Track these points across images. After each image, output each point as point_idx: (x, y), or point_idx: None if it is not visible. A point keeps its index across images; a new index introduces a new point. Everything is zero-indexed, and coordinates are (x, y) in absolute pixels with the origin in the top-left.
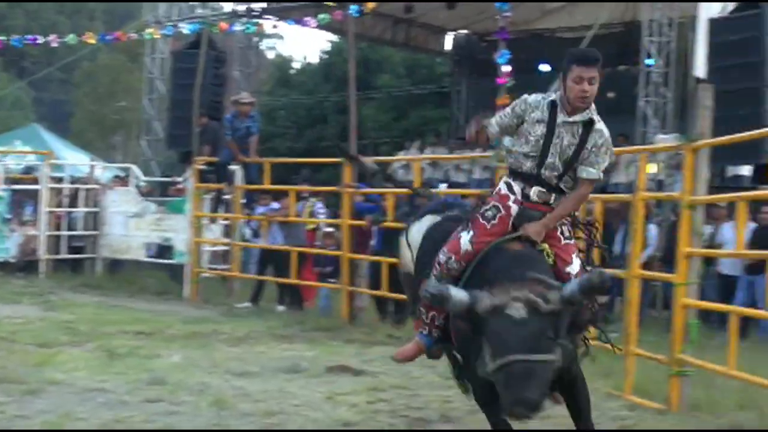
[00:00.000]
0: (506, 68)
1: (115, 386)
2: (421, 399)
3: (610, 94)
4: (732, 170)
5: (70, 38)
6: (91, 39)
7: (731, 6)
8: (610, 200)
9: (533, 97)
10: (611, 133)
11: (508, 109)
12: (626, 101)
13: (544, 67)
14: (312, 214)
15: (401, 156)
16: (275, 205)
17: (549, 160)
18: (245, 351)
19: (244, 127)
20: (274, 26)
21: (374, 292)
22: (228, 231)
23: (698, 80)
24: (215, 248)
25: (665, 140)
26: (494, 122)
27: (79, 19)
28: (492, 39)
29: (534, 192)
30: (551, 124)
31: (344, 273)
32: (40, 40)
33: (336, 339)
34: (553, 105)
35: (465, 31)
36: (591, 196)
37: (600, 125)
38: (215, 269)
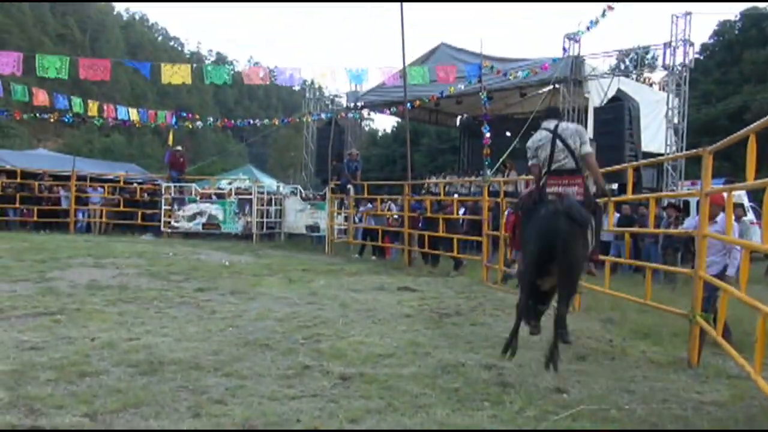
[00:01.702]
0: (487, 134)
1: (291, 296)
2: (445, 303)
3: None
4: (607, 186)
5: (266, 121)
6: (276, 121)
7: (606, 99)
8: None
9: None
10: None
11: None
12: None
13: (508, 134)
14: (389, 209)
15: (434, 180)
16: (370, 205)
17: None
18: (356, 279)
19: (354, 166)
20: (369, 114)
21: (421, 250)
22: (347, 218)
23: (590, 140)
24: (341, 227)
25: None
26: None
27: (267, 109)
28: (480, 119)
29: None
30: None
31: (406, 241)
32: (252, 121)
33: (402, 273)
34: None
35: (466, 114)
36: None
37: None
38: (341, 238)
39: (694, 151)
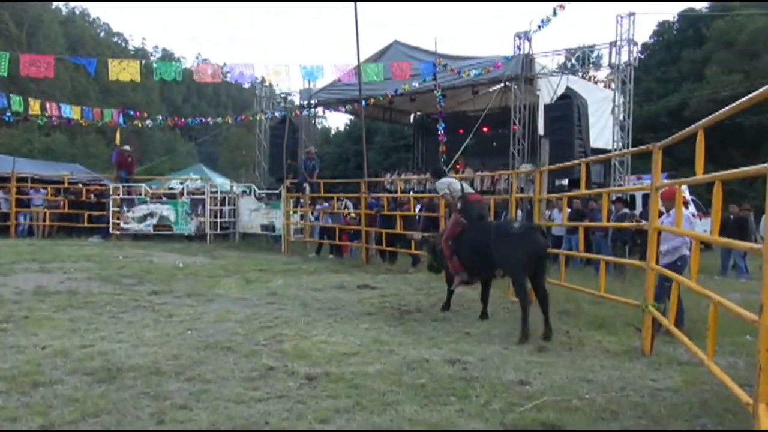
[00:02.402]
0: (441, 132)
1: (250, 296)
2: (405, 300)
3: (495, 144)
4: (558, 182)
5: (219, 120)
6: (229, 119)
7: (556, 96)
8: (497, 198)
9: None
10: (497, 163)
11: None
12: (505, 146)
13: (461, 131)
14: (345, 207)
15: (389, 177)
16: (326, 204)
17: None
18: (315, 278)
19: (311, 164)
20: (323, 112)
21: (379, 247)
22: (303, 217)
23: (541, 136)
24: (296, 226)
25: (526, 167)
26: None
27: (217, 107)
28: (435, 116)
29: None
30: None
31: (363, 238)
32: (205, 120)
33: (361, 271)
34: None
35: (420, 112)
36: (486, 196)
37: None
38: (298, 237)
39: (644, 147)
